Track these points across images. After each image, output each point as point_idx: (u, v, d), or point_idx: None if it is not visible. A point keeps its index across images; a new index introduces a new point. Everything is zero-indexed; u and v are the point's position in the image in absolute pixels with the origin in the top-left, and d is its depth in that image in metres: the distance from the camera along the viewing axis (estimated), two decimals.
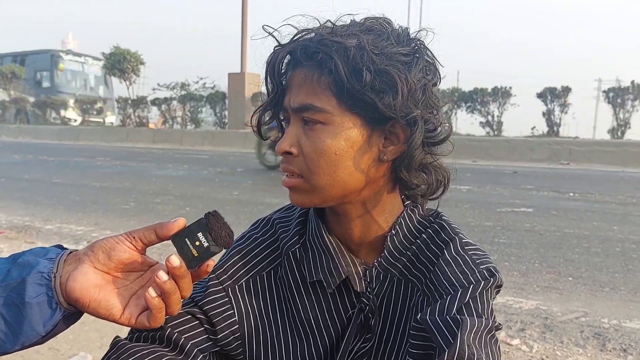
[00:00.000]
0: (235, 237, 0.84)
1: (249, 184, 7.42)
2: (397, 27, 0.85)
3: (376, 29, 0.83)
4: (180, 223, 0.76)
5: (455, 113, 15.69)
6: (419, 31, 0.87)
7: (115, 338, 0.89)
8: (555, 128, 14.69)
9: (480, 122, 15.48)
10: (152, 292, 0.74)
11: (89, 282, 0.74)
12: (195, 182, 7.70)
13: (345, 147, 0.82)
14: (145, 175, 8.47)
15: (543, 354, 2.17)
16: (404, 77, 0.79)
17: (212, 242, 0.74)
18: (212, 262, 0.77)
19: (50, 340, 2.29)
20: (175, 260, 0.73)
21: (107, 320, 0.77)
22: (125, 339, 0.90)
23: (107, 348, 0.88)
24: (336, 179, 0.83)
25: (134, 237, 0.77)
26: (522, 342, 2.27)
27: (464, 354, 0.73)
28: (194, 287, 0.97)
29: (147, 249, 0.81)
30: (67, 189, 6.85)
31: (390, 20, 0.87)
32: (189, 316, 0.91)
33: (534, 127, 14.64)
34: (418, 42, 0.85)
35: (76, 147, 15.42)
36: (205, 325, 0.92)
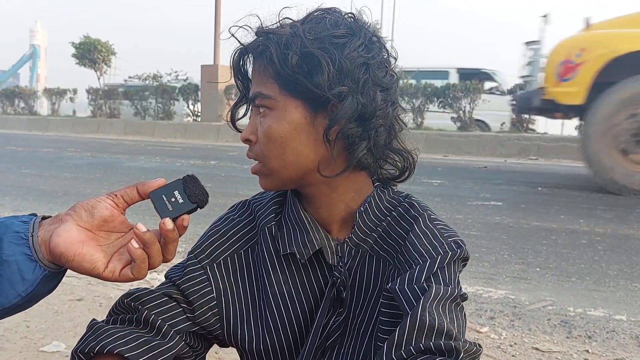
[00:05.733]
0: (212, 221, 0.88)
1: (222, 176, 7.39)
2: (342, 14, 0.91)
3: (318, 17, 0.89)
4: (160, 182, 0.82)
5: (427, 108, 15.81)
6: (359, 10, 0.93)
7: (92, 320, 0.90)
8: (524, 124, 14.93)
9: (452, 118, 15.64)
10: (134, 244, 0.77)
11: (73, 238, 0.76)
12: (168, 174, 7.63)
13: (289, 130, 0.87)
14: (117, 167, 8.36)
15: (512, 340, 2.23)
16: (331, 58, 0.84)
17: (187, 198, 0.81)
18: (187, 217, 0.81)
19: (23, 329, 2.26)
20: (169, 223, 0.78)
21: (90, 274, 0.78)
22: (102, 321, 0.92)
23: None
24: (285, 160, 0.88)
25: (115, 195, 0.81)
26: (492, 330, 2.33)
27: (425, 318, 0.76)
28: (172, 269, 0.99)
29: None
30: (36, 179, 6.73)
31: (337, 9, 0.92)
32: (166, 297, 0.93)
33: (503, 122, 14.84)
34: (356, 24, 0.90)
35: (45, 138, 15.13)
36: (183, 305, 0.94)
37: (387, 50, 0.91)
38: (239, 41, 0.92)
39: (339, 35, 0.86)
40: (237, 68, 0.94)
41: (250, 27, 0.91)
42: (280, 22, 0.90)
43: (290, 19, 0.90)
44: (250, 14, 0.92)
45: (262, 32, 0.88)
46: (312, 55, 0.83)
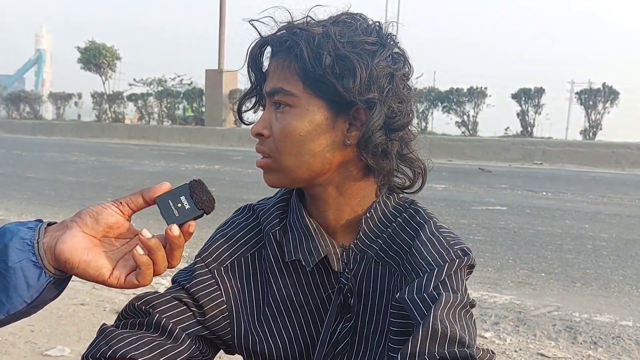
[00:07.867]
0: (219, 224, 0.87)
1: (226, 181, 7.40)
2: (369, 21, 0.90)
3: (347, 22, 0.88)
4: (166, 186, 0.80)
5: (432, 113, 15.81)
6: (389, 23, 0.92)
7: (102, 325, 0.90)
8: (529, 129, 14.91)
9: (456, 122, 15.62)
10: (139, 250, 0.76)
11: (78, 244, 0.76)
12: (172, 178, 7.64)
13: (309, 129, 0.86)
14: (121, 171, 8.38)
15: (516, 346, 2.22)
16: (364, 63, 0.83)
17: (194, 204, 0.79)
18: (194, 223, 0.80)
19: (27, 333, 2.26)
20: (176, 230, 0.77)
21: (96, 281, 0.78)
22: (112, 325, 0.91)
23: (84, 342, 0.88)
24: (301, 159, 0.87)
25: (120, 203, 0.80)
26: (496, 335, 2.32)
27: (438, 327, 0.76)
28: (180, 273, 0.99)
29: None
30: (41, 183, 6.75)
31: (364, 15, 0.91)
32: (176, 301, 0.93)
33: (508, 127, 14.85)
34: (386, 34, 0.89)
35: (50, 142, 15.18)
36: (193, 309, 0.93)
37: (409, 64, 0.91)
38: (259, 33, 0.90)
39: (371, 43, 0.85)
40: (254, 59, 0.91)
41: (274, 20, 0.89)
42: (307, 20, 0.88)
43: (311, 17, 0.88)
44: (276, 6, 0.90)
45: (291, 27, 0.86)
46: (346, 58, 0.82)
